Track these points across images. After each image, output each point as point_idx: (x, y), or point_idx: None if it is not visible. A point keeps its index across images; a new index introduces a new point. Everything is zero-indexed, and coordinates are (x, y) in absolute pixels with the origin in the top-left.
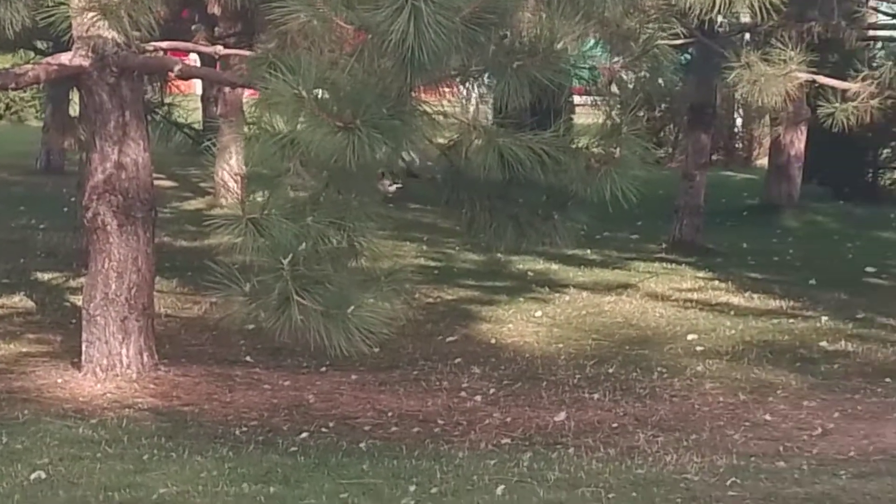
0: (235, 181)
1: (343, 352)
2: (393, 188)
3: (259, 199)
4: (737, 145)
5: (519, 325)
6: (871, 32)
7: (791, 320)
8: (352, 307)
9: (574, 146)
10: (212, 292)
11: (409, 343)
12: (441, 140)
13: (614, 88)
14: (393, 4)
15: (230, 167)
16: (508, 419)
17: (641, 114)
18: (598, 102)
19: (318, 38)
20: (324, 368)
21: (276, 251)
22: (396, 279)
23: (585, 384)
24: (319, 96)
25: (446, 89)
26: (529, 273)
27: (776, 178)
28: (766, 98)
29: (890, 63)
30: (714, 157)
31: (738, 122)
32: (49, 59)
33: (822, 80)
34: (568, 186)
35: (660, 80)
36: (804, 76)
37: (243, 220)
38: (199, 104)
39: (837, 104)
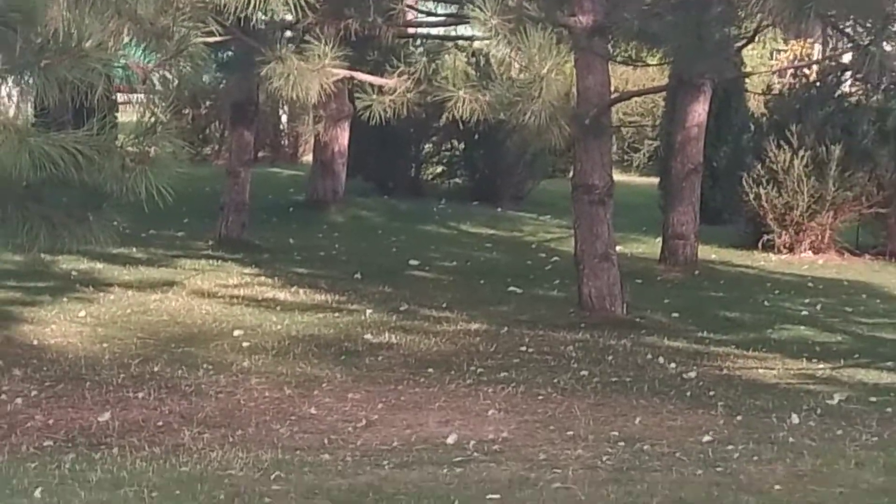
0: None
1: None
2: None
3: None
4: (283, 142)
5: (62, 325)
6: (410, 30)
7: (336, 314)
8: None
9: (111, 146)
10: None
11: None
12: None
13: (151, 86)
14: None
15: None
16: (51, 421)
17: (186, 111)
18: (137, 101)
19: None
20: None
21: None
22: None
23: (130, 383)
24: None
25: None
26: (74, 273)
27: (321, 174)
28: (301, 93)
29: (424, 59)
30: (260, 154)
31: (284, 118)
32: None
33: (359, 76)
34: (103, 186)
35: (205, 78)
36: (341, 72)
37: None
38: None
39: (375, 96)
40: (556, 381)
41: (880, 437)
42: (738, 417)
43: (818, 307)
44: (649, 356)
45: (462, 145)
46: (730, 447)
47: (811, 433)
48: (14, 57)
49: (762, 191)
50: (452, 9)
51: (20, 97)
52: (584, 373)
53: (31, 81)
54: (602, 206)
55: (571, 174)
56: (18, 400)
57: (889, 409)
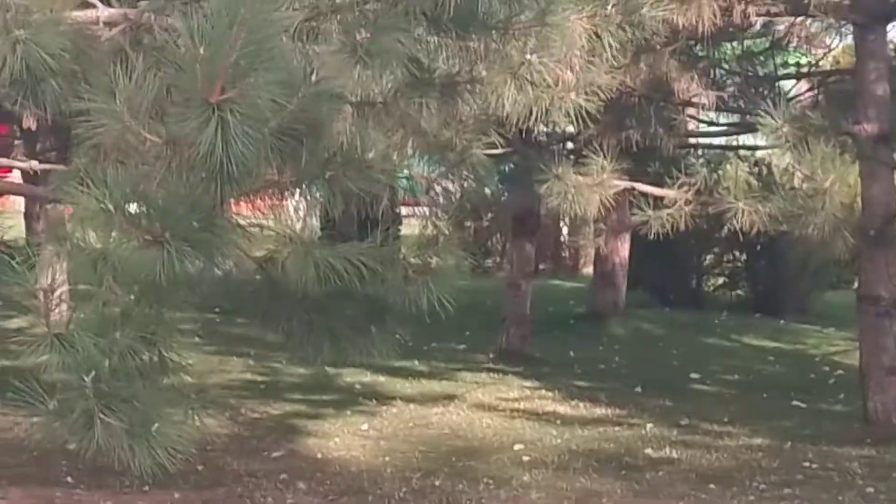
0: (44, 297)
1: (148, 470)
2: None
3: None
4: (563, 254)
5: (346, 438)
6: (691, 140)
7: (617, 428)
8: (156, 425)
9: (393, 257)
10: (19, 413)
11: (234, 460)
12: (258, 253)
13: (434, 197)
14: (200, 116)
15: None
16: None
17: (468, 223)
18: (419, 213)
19: (129, 152)
20: (146, 488)
21: (80, 368)
22: (208, 396)
23: (412, 497)
24: (132, 210)
25: (262, 201)
26: (357, 385)
27: (601, 286)
28: (579, 208)
29: (705, 170)
30: (541, 266)
31: (565, 230)
32: None
33: (640, 187)
34: (386, 298)
35: (486, 190)
36: (621, 184)
37: (49, 336)
38: (22, 222)
39: (651, 212)
40: (840, 498)
41: None
42: None
43: None
44: None
45: (744, 256)
46: None
47: None
48: (300, 169)
49: None
50: (735, 118)
51: (306, 210)
52: (870, 489)
53: (317, 194)
54: (888, 317)
55: (856, 285)
56: None
57: None
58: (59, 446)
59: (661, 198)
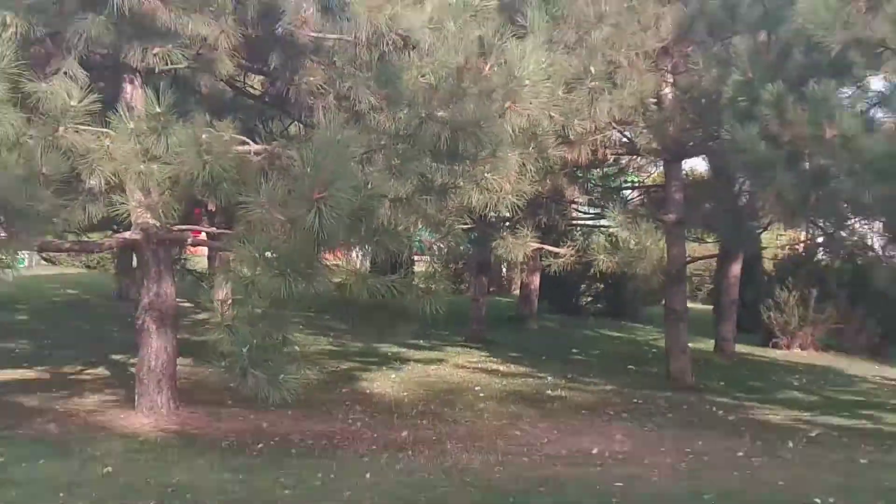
0: (219, 305)
1: (277, 400)
2: None
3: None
4: (504, 282)
5: (382, 382)
6: (574, 222)
7: (531, 379)
8: (281, 375)
9: (410, 284)
10: (207, 366)
11: (321, 394)
12: (336, 280)
13: (432, 252)
14: (307, 206)
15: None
16: (375, 435)
17: (451, 266)
18: (425, 260)
19: (267, 225)
20: (273, 408)
21: (239, 343)
22: (308, 358)
23: (418, 415)
24: (267, 256)
25: (340, 252)
26: (389, 353)
27: (524, 301)
28: (513, 256)
29: (581, 238)
30: (491, 289)
31: (504, 269)
32: (117, 235)
33: (546, 247)
34: (405, 307)
35: (461, 248)
36: (535, 245)
37: (222, 326)
38: (206, 261)
39: (552, 260)
40: (653, 419)
41: (844, 454)
42: (759, 442)
43: (803, 380)
44: (707, 407)
45: (602, 285)
46: (754, 459)
47: (801, 452)
48: (361, 236)
49: (772, 314)
50: (598, 210)
51: (363, 257)
52: (670, 415)
53: (368, 248)
54: (680, 321)
55: (664, 302)
56: (359, 423)
57: (845, 439)
58: (226, 386)
59: (557, 253)
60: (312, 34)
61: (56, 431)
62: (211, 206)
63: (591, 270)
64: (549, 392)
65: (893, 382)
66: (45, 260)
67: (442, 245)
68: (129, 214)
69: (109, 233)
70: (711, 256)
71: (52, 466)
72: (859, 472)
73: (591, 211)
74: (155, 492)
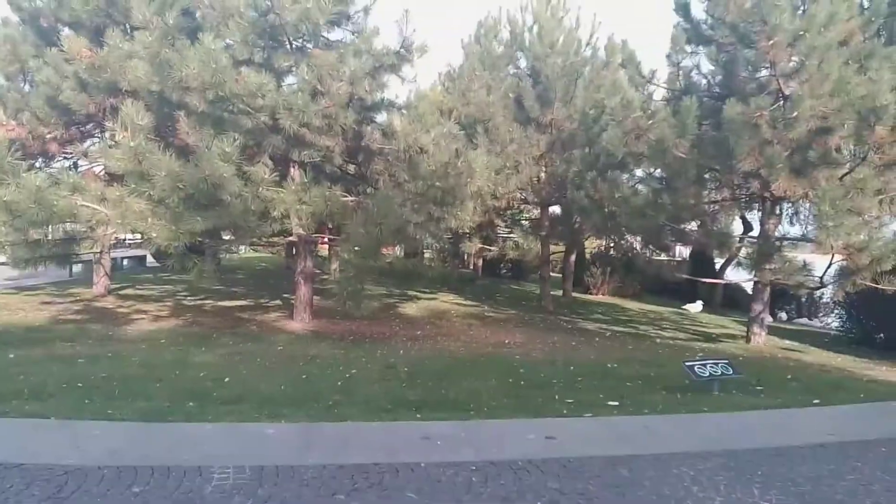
0: (333, 272)
1: (359, 316)
2: None
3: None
4: (466, 263)
5: (409, 309)
6: (499, 235)
7: (477, 308)
8: (362, 304)
9: (422, 263)
10: (327, 300)
11: (380, 313)
12: (388, 260)
13: (434, 248)
14: (374, 227)
15: (333, 267)
16: (405, 334)
17: (442, 255)
18: (430, 251)
19: (355, 235)
20: (357, 319)
21: (343, 288)
22: (375, 298)
23: (429, 325)
24: (355, 249)
25: (390, 247)
26: (414, 294)
27: (475, 270)
28: (470, 251)
29: (501, 242)
30: (459, 266)
31: (466, 256)
32: (287, 237)
33: (485, 247)
34: (420, 273)
35: (446, 247)
36: (480, 245)
37: (335, 281)
38: (327, 250)
39: (488, 252)
40: (532, 331)
41: (619, 344)
42: (582, 338)
43: (602, 310)
44: (559, 321)
45: (511, 265)
46: (579, 346)
47: (601, 343)
48: (399, 239)
49: (589, 278)
50: (509, 230)
51: (401, 249)
52: (542, 326)
53: (403, 245)
54: (543, 281)
55: (539, 274)
56: (397, 327)
57: (621, 337)
58: (335, 309)
59: (490, 249)
60: (377, 146)
61: (255, 330)
62: (330, 225)
63: (506, 257)
64: (486, 314)
65: (648, 310)
66: (252, 249)
67: (437, 245)
68: (292, 228)
69: (283, 237)
70: (561, 252)
71: (252, 347)
72: (610, 349)
73: (506, 230)
74: (302, 357)
